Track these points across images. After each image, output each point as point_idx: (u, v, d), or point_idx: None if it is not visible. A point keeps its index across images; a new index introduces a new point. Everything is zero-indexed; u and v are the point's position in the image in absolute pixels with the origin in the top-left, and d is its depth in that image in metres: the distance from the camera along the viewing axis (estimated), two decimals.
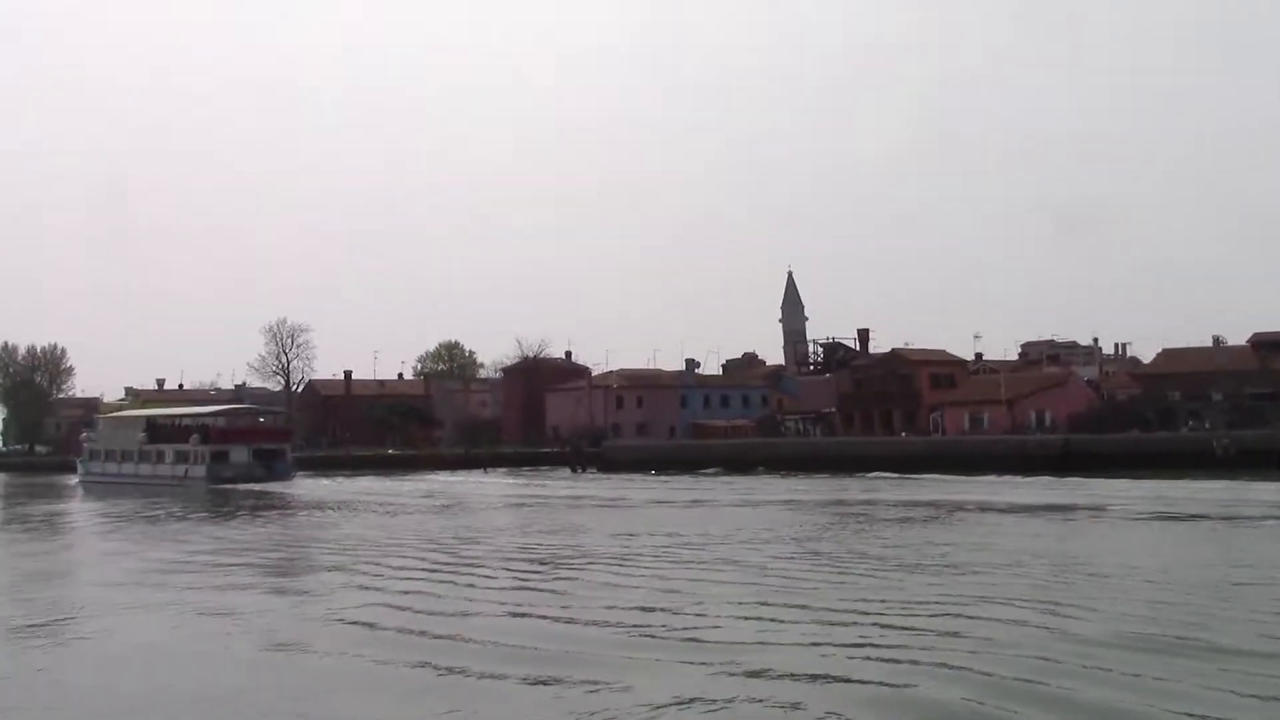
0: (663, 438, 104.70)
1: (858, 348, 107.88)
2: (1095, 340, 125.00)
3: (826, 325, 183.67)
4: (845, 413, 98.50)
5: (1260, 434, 60.13)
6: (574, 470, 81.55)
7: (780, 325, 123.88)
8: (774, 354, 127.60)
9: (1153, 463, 55.97)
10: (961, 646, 13.06)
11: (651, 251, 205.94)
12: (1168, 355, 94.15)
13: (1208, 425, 79.58)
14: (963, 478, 56.53)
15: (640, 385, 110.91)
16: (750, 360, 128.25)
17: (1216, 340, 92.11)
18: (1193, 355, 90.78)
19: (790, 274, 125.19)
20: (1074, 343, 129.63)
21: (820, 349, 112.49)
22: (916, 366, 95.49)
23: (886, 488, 51.35)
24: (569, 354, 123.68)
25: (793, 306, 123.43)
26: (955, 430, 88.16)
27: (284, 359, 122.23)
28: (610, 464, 79.93)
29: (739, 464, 72.45)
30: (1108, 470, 56.18)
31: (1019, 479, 54.90)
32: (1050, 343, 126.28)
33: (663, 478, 67.59)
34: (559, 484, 64.12)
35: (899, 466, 63.91)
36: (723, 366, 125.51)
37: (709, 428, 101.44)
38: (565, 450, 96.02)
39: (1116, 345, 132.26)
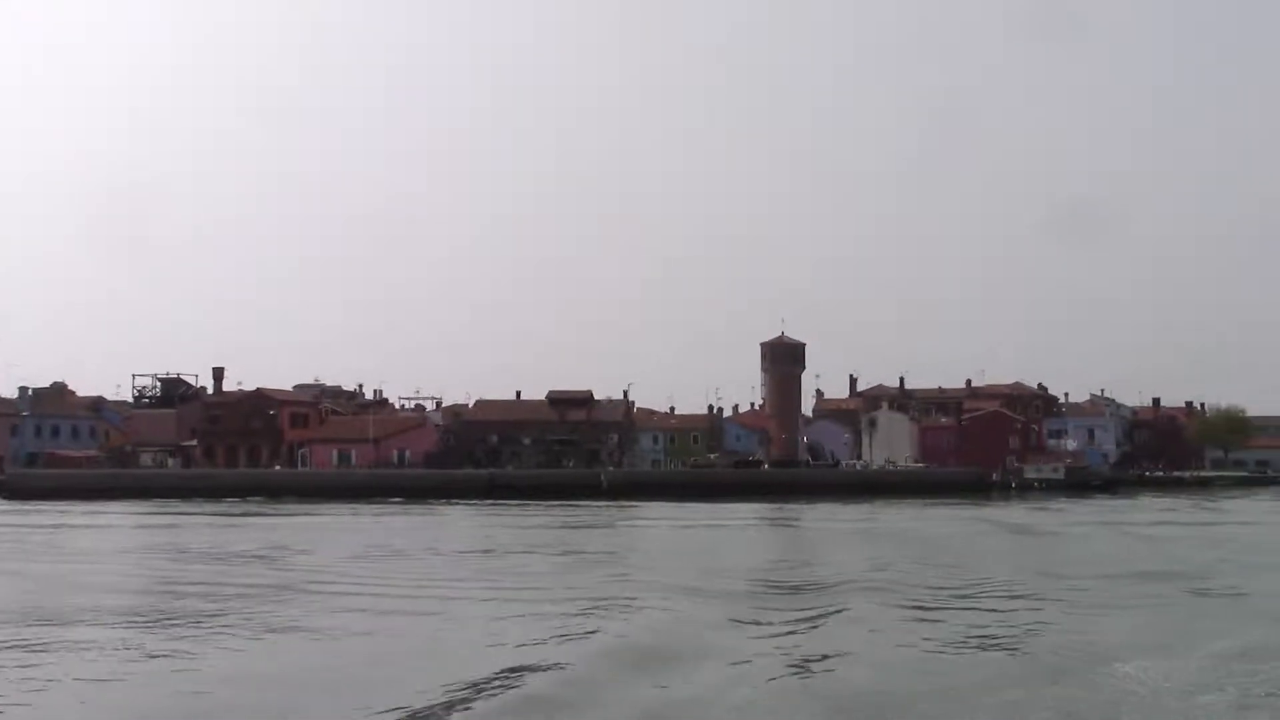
0: None
1: (207, 384, 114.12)
2: (360, 386, 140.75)
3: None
4: (206, 446, 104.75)
5: (630, 471, 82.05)
6: None
7: None
8: (84, 384, 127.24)
9: (561, 492, 74.59)
10: None
11: None
12: (481, 405, 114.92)
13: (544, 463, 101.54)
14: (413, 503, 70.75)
15: None
16: (60, 390, 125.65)
17: (518, 394, 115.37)
18: (502, 405, 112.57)
19: None
20: (339, 386, 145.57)
21: (159, 383, 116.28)
22: (280, 405, 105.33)
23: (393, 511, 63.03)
24: None
25: None
26: (324, 465, 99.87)
27: None
28: (18, 492, 78.94)
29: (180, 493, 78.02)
30: (523, 498, 73.56)
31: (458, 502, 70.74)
32: (322, 387, 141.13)
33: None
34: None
35: (371, 495, 75.61)
36: (33, 394, 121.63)
37: (65, 458, 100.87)
38: None
39: (375, 391, 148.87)
